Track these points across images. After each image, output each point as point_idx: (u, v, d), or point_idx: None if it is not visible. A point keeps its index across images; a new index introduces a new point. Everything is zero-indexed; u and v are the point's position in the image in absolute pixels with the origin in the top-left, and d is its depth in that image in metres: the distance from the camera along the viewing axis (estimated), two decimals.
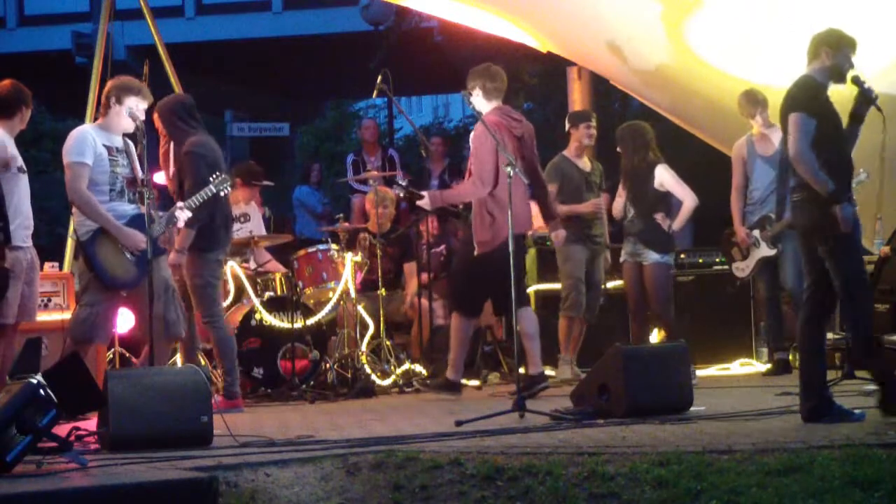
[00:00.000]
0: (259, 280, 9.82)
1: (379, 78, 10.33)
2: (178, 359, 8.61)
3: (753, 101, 9.76)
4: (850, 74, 6.80)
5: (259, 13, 22.74)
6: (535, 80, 18.04)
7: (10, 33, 22.86)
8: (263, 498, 5.51)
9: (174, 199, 8.23)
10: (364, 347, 9.69)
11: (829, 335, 7.52)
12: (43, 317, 8.39)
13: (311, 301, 9.79)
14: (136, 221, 7.60)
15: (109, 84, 7.87)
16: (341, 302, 9.75)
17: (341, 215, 10.56)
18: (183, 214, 7.84)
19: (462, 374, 9.29)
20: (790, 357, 9.93)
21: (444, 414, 7.55)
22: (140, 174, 7.69)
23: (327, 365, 9.71)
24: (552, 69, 15.48)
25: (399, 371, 9.71)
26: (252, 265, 10.01)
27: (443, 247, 11.65)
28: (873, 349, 6.98)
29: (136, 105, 7.71)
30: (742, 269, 10.00)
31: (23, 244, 7.63)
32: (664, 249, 9.59)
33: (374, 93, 10.59)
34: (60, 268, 9.18)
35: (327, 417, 7.89)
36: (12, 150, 7.68)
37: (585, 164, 10.00)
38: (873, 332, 6.92)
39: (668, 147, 10.32)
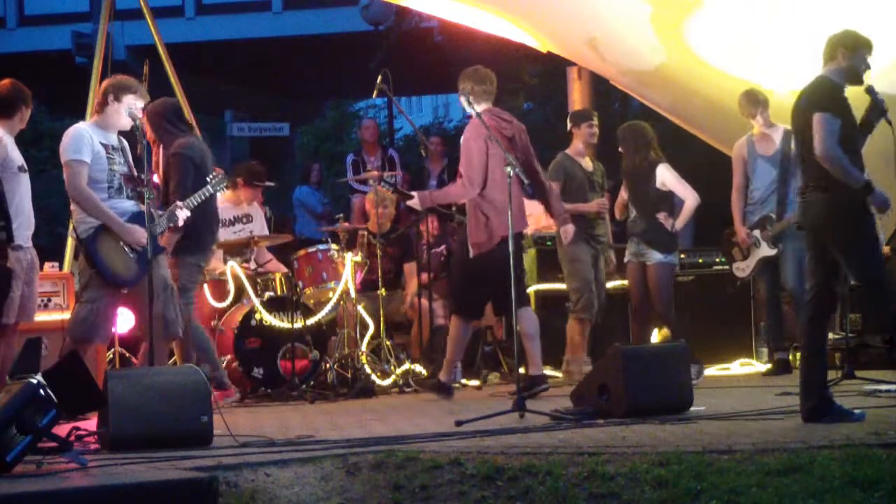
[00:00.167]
0: (259, 280, 9.82)
1: (379, 78, 10.33)
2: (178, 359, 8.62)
3: (754, 100, 9.76)
4: (865, 83, 6.81)
5: (259, 13, 22.75)
6: (535, 80, 18.05)
7: (10, 33, 22.87)
8: (263, 498, 5.50)
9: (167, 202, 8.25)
10: (364, 347, 9.69)
11: (829, 335, 7.51)
12: (43, 317, 8.40)
13: (311, 301, 9.79)
14: (136, 218, 7.60)
15: (106, 82, 7.87)
16: (341, 302, 9.75)
17: (341, 215, 10.56)
18: (182, 213, 7.87)
19: (455, 377, 9.31)
20: (790, 357, 9.94)
21: (444, 414, 7.55)
22: (135, 172, 7.69)
23: (327, 365, 9.71)
24: (552, 69, 15.48)
25: (399, 371, 9.71)
26: (252, 265, 10.01)
27: (443, 247, 11.65)
28: None
29: (134, 103, 7.70)
30: (742, 269, 10.00)
31: (24, 244, 7.64)
32: (667, 249, 9.59)
33: (374, 93, 10.59)
34: (60, 268, 9.18)
35: (327, 417, 7.89)
36: (12, 149, 7.68)
37: (588, 163, 10.00)
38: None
39: (668, 147, 10.33)
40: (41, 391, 5.59)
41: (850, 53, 6.80)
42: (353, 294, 9.70)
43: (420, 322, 10.30)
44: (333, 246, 9.93)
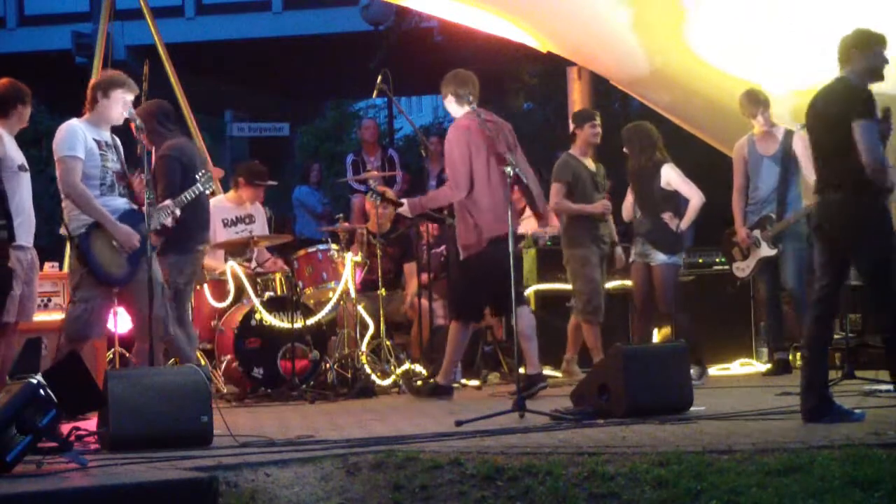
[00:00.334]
0: (259, 280, 9.82)
1: (379, 78, 10.33)
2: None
3: (755, 100, 9.75)
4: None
5: (259, 13, 22.76)
6: (535, 80, 18.05)
7: (10, 33, 22.88)
8: (263, 498, 5.50)
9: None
10: (364, 347, 9.69)
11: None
12: (43, 317, 8.39)
13: (311, 301, 9.79)
14: (128, 216, 7.58)
15: (94, 79, 7.84)
16: (341, 302, 9.75)
17: (341, 215, 10.55)
18: (176, 211, 7.85)
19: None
20: (790, 357, 9.94)
21: (444, 414, 7.55)
22: (127, 170, 7.67)
23: (327, 365, 9.71)
24: (552, 69, 15.48)
25: (399, 371, 9.71)
26: (253, 264, 10.01)
27: (443, 247, 11.64)
28: None
29: (123, 97, 7.65)
30: (742, 269, 10.00)
31: (25, 244, 7.63)
32: (671, 250, 9.58)
33: (374, 93, 10.59)
34: (60, 268, 9.17)
35: (327, 417, 7.88)
36: (12, 148, 7.66)
37: (591, 163, 9.99)
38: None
39: (668, 147, 10.31)
40: (41, 391, 5.59)
41: (867, 52, 6.77)
42: (353, 294, 9.70)
43: (420, 322, 10.30)
44: (333, 246, 9.93)
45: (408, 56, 17.27)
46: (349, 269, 9.64)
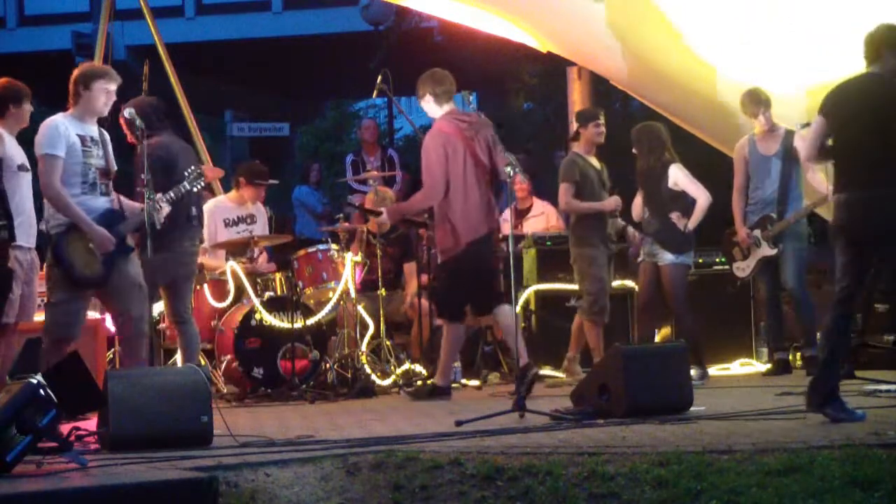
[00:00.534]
0: (259, 280, 9.81)
1: (379, 78, 10.33)
2: (178, 359, 8.61)
3: (756, 100, 9.74)
4: None
5: (259, 13, 22.78)
6: (535, 80, 18.05)
7: (10, 33, 22.89)
8: (263, 498, 5.50)
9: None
10: (364, 347, 9.69)
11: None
12: (43, 317, 8.36)
13: (311, 301, 9.78)
14: (108, 216, 7.48)
15: (74, 73, 7.68)
16: (341, 302, 9.74)
17: (341, 215, 10.55)
18: (164, 207, 7.78)
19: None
20: (790, 357, 9.94)
21: (445, 414, 7.55)
22: (114, 166, 7.57)
23: (327, 365, 9.71)
24: (552, 69, 15.47)
25: (399, 371, 9.71)
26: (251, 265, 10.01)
27: None
28: None
29: (104, 87, 7.55)
30: (743, 268, 9.99)
31: (25, 244, 7.61)
32: (679, 250, 9.58)
33: (374, 93, 10.60)
34: None
35: (327, 417, 7.88)
36: (11, 147, 7.64)
37: (596, 162, 9.98)
38: None
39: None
40: (41, 391, 5.58)
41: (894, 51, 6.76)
42: (353, 294, 9.70)
43: (420, 322, 10.30)
44: (333, 246, 9.93)
45: (408, 56, 17.24)
46: (349, 269, 9.64)
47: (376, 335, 9.85)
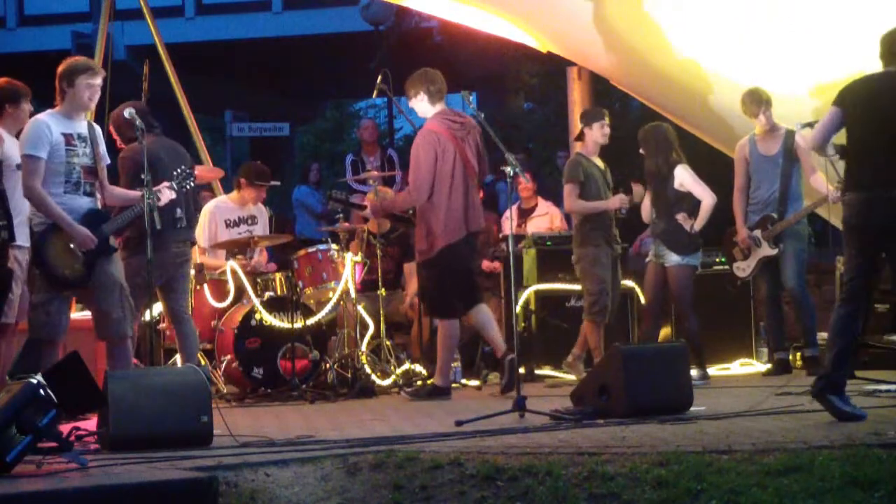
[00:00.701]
0: (259, 280, 9.81)
1: (379, 78, 10.33)
2: (178, 359, 8.61)
3: (757, 100, 9.73)
4: None
5: (259, 13, 22.78)
6: (535, 80, 18.04)
7: (10, 33, 22.89)
8: (263, 498, 5.51)
9: None
10: (364, 347, 9.68)
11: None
12: None
13: (311, 301, 9.78)
14: (90, 216, 7.40)
15: (58, 70, 7.56)
16: (341, 302, 9.74)
17: (341, 215, 10.55)
18: (166, 193, 7.73)
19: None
20: (790, 357, 9.94)
21: (445, 414, 7.55)
22: (102, 163, 7.50)
23: (327, 365, 9.71)
24: (552, 69, 15.47)
25: (399, 371, 9.71)
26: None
27: None
28: None
29: (88, 81, 7.45)
30: (743, 268, 9.99)
31: (24, 244, 7.60)
32: (685, 251, 9.57)
33: (374, 93, 10.61)
34: None
35: (327, 417, 7.89)
36: (11, 147, 7.62)
37: (600, 162, 9.97)
38: None
39: None
40: (41, 391, 5.59)
41: None
42: (353, 294, 9.70)
43: (420, 322, 10.30)
44: (333, 246, 9.92)
45: (408, 56, 17.26)
46: (349, 269, 9.64)
47: (376, 335, 9.85)
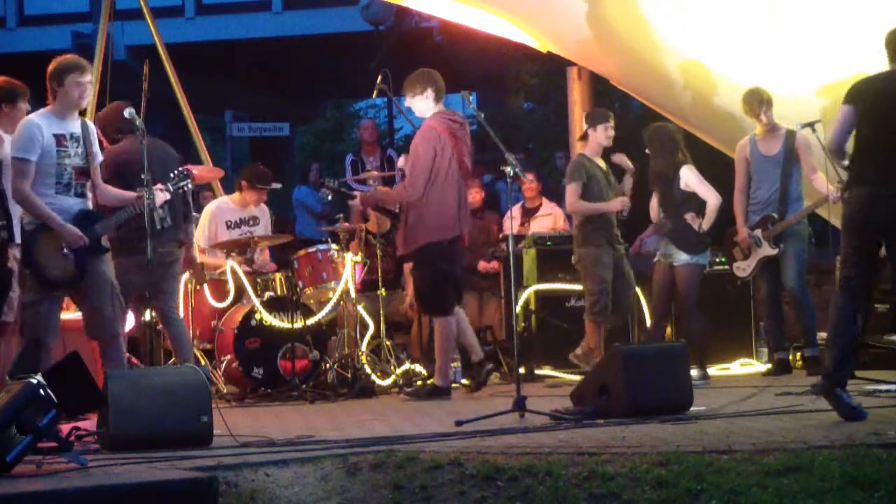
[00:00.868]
0: (259, 280, 9.81)
1: (379, 78, 10.33)
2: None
3: (758, 100, 9.73)
4: None
5: (259, 13, 22.78)
6: (535, 80, 18.04)
7: (10, 33, 22.88)
8: (263, 498, 5.51)
9: None
10: (364, 347, 9.68)
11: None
12: None
13: (312, 301, 9.78)
14: (80, 217, 7.36)
15: (48, 70, 7.50)
16: (341, 302, 9.74)
17: (341, 215, 10.54)
18: (159, 196, 7.70)
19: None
20: (790, 357, 9.93)
21: (445, 414, 7.55)
22: (95, 162, 7.46)
23: (327, 365, 9.71)
24: (552, 69, 15.47)
25: (399, 371, 9.71)
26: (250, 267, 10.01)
27: None
28: None
29: (78, 80, 7.39)
30: (743, 268, 9.99)
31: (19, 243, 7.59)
32: (694, 250, 9.57)
33: (374, 93, 10.61)
34: None
35: (327, 417, 7.89)
36: (7, 148, 7.60)
37: (603, 163, 9.96)
38: None
39: None
40: (41, 391, 5.59)
41: None
42: (353, 294, 9.70)
43: (420, 322, 10.30)
44: (333, 246, 9.92)
45: (408, 56, 17.27)
46: (349, 269, 9.64)
47: (376, 335, 9.84)
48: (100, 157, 7.56)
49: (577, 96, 11.87)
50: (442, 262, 8.82)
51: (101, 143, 8.21)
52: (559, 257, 10.34)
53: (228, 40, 22.07)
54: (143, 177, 7.48)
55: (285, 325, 9.49)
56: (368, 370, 9.52)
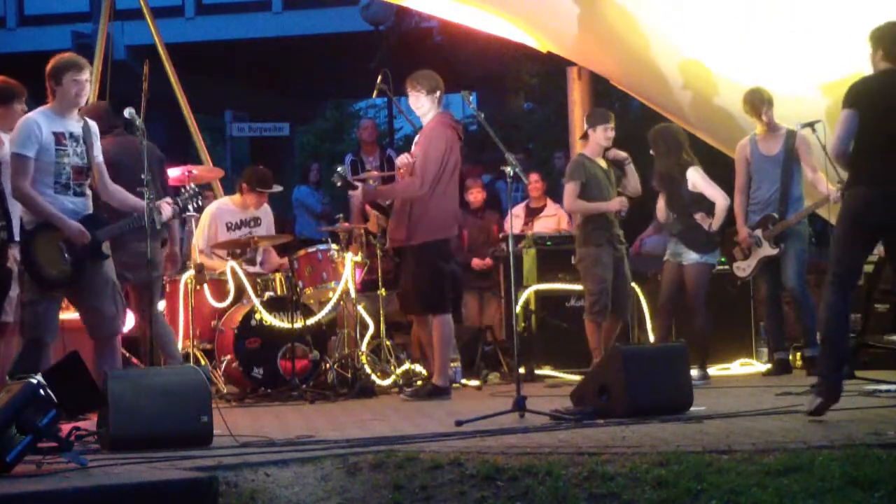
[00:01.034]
0: (259, 280, 9.81)
1: (379, 78, 10.33)
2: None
3: (759, 99, 9.73)
4: None
5: (259, 13, 22.79)
6: (535, 80, 18.05)
7: (10, 33, 22.89)
8: (263, 498, 5.50)
9: None
10: (364, 347, 9.68)
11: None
12: None
13: (312, 301, 9.78)
14: (85, 221, 7.34)
15: (46, 69, 7.48)
16: (341, 302, 9.74)
17: (341, 215, 10.54)
18: (167, 209, 7.73)
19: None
20: (790, 357, 9.94)
21: (445, 414, 7.55)
22: (95, 162, 7.44)
23: (327, 365, 9.71)
24: (552, 69, 15.48)
25: (399, 371, 9.71)
26: (257, 268, 10.00)
27: None
28: None
29: (76, 78, 7.36)
30: (743, 268, 9.99)
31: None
32: (704, 249, 9.59)
33: (374, 93, 10.61)
34: None
35: (327, 417, 7.89)
36: (7, 148, 7.60)
37: (603, 163, 9.96)
38: None
39: None
40: (41, 391, 5.59)
41: None
42: (353, 294, 9.70)
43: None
44: (333, 246, 9.92)
45: (408, 56, 17.28)
46: (349, 269, 9.64)
47: (376, 335, 9.85)
48: (100, 158, 7.54)
49: (577, 96, 11.88)
50: (443, 259, 8.85)
51: None
52: (559, 257, 10.35)
53: (228, 40, 22.08)
54: (143, 177, 7.46)
55: (285, 325, 9.49)
56: (368, 370, 9.52)
